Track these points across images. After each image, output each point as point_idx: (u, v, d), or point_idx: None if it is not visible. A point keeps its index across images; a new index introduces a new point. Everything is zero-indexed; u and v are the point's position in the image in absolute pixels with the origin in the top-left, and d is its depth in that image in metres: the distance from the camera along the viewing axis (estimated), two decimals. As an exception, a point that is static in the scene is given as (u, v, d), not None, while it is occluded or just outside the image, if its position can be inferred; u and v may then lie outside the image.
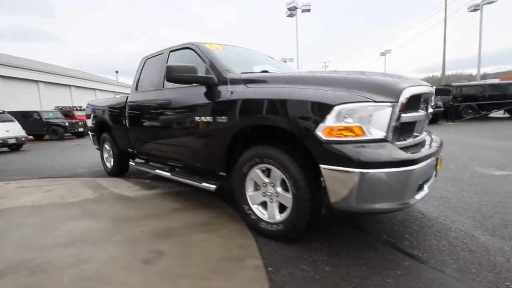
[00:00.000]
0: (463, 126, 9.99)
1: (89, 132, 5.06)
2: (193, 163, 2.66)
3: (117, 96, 4.46)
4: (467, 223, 2.12)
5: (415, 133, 1.89)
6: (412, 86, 1.67)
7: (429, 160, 1.67)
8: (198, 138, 2.44)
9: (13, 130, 9.29)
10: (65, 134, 13.80)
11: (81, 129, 14.50)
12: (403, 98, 1.57)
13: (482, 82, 15.59)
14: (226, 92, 2.13)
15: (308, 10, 17.41)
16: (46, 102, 19.21)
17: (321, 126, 1.56)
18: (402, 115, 1.58)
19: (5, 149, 9.36)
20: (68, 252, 1.90)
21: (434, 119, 11.36)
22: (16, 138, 9.19)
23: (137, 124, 3.36)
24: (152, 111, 3.00)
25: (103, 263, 1.74)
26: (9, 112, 10.39)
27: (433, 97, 2.11)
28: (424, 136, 2.02)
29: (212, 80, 2.28)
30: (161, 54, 3.16)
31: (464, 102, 12.14)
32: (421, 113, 1.87)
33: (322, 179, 1.63)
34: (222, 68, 2.31)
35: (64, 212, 2.76)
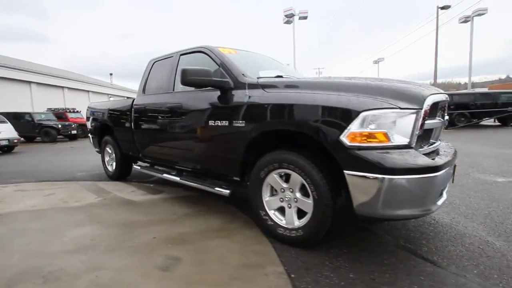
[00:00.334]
0: (457, 134, 10.22)
1: (89, 134, 4.96)
2: (204, 167, 2.63)
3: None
4: (480, 229, 2.15)
5: (431, 140, 1.92)
6: (433, 94, 1.70)
7: (448, 167, 1.69)
8: (212, 142, 2.41)
9: (5, 131, 9.03)
10: (58, 137, 13.50)
11: (74, 132, 14.23)
12: (426, 105, 1.59)
13: (473, 91, 16.05)
14: (244, 96, 2.11)
15: (305, 18, 17.67)
16: (38, 103, 18.78)
17: (346, 132, 1.57)
18: (425, 122, 1.59)
19: (-4, 151, 9.09)
20: (79, 258, 1.83)
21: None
22: (8, 139, 8.94)
23: (144, 127, 3.31)
24: (161, 114, 2.96)
25: (118, 270, 1.68)
26: (0, 113, 10.12)
27: (447, 105, 2.15)
28: (438, 143, 2.05)
29: (228, 84, 2.27)
30: (170, 57, 3.14)
31: (456, 110, 12.45)
32: (438, 120, 1.90)
33: (342, 184, 1.63)
34: (237, 72, 2.31)
35: (69, 217, 2.68)
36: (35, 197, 3.33)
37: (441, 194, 1.70)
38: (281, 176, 1.97)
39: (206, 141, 2.48)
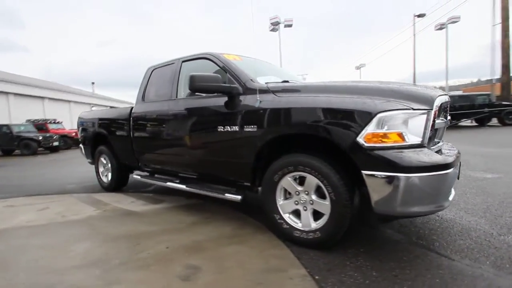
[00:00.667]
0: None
1: (80, 145, 4.79)
2: (213, 173, 2.60)
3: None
4: (482, 223, 2.26)
5: (436, 140, 2.01)
6: (441, 95, 1.79)
7: (457, 164, 1.78)
8: (221, 148, 2.40)
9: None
10: (39, 149, 12.88)
11: (56, 143, 13.63)
12: (435, 106, 1.68)
13: (452, 93, 16.93)
14: (254, 101, 2.14)
15: (290, 26, 18.13)
16: (16, 115, 17.90)
17: (363, 133, 1.62)
18: (435, 121, 1.68)
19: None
20: (93, 273, 1.75)
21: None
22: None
23: (145, 136, 3.24)
24: (164, 121, 2.92)
25: (137, 283, 1.63)
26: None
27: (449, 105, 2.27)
28: (442, 142, 2.15)
29: (237, 90, 2.28)
30: (171, 64, 3.12)
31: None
32: (442, 120, 2.00)
33: (357, 184, 1.68)
34: (246, 78, 2.33)
35: (70, 231, 2.56)
36: (28, 212, 3.15)
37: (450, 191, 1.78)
38: (295, 179, 1.99)
39: (214, 147, 2.47)
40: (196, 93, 2.54)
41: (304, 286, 1.53)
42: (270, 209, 2.10)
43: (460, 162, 2.03)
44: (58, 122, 16.77)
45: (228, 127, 2.28)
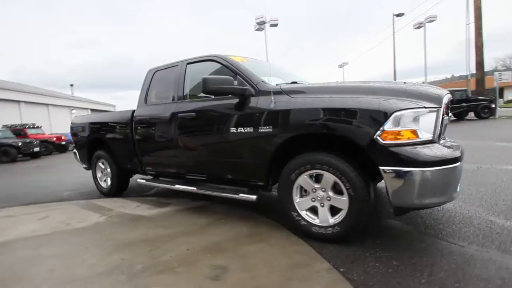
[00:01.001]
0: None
1: (74, 150, 4.64)
2: (225, 174, 2.63)
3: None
4: (480, 211, 2.44)
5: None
6: (447, 94, 1.93)
7: (463, 157, 1.92)
8: (235, 149, 2.43)
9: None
10: (18, 155, 12.25)
11: (36, 149, 13.03)
12: (443, 104, 1.80)
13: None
14: (268, 102, 2.19)
15: (276, 25, 18.28)
16: (-10, 120, 16.88)
17: (380, 131, 1.71)
18: (444, 118, 1.81)
19: None
20: (119, 279, 1.74)
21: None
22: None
23: (150, 139, 3.21)
24: (172, 123, 2.91)
25: (169, 286, 1.64)
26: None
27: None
28: (445, 138, 2.30)
29: (249, 91, 2.33)
30: (174, 66, 3.11)
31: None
32: (446, 117, 2.14)
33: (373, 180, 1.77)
34: (257, 79, 2.38)
35: (80, 239, 2.50)
36: (29, 222, 3.04)
37: (457, 182, 1.92)
38: (311, 177, 2.07)
39: (227, 148, 2.50)
40: (206, 95, 2.56)
41: (332, 278, 1.60)
42: (287, 207, 2.17)
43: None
44: (37, 127, 16.01)
45: (242, 128, 2.32)
